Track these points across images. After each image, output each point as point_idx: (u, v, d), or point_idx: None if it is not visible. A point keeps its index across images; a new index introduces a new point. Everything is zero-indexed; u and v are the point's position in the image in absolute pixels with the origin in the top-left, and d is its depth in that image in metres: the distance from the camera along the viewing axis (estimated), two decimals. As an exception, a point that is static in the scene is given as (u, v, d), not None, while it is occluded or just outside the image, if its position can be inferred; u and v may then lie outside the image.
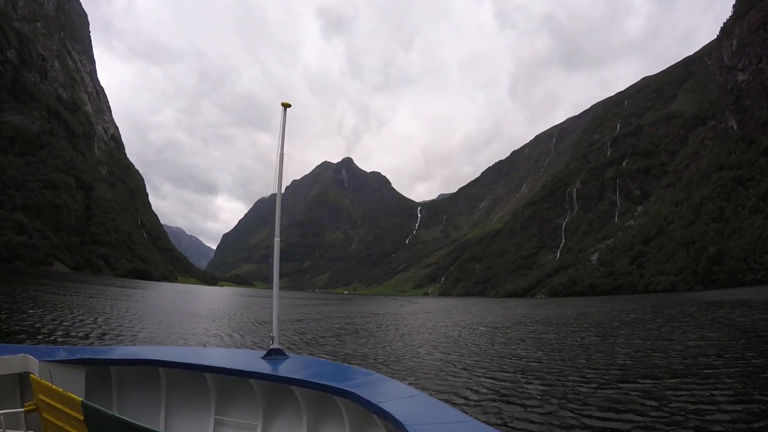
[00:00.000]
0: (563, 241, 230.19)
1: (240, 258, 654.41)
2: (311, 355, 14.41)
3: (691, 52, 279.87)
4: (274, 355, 5.01)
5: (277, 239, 6.30)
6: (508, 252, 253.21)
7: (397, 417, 2.84)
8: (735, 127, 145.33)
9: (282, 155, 5.89)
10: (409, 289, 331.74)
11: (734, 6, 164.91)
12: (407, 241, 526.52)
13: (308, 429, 4.22)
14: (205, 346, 15.55)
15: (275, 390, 4.49)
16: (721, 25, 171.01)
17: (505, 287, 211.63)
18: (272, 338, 5.31)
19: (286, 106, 5.90)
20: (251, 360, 4.95)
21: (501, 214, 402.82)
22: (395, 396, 3.45)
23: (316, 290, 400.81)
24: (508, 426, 7.30)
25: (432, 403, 3.42)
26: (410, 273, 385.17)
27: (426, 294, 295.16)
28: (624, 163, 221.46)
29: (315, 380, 3.92)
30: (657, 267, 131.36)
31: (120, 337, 15.66)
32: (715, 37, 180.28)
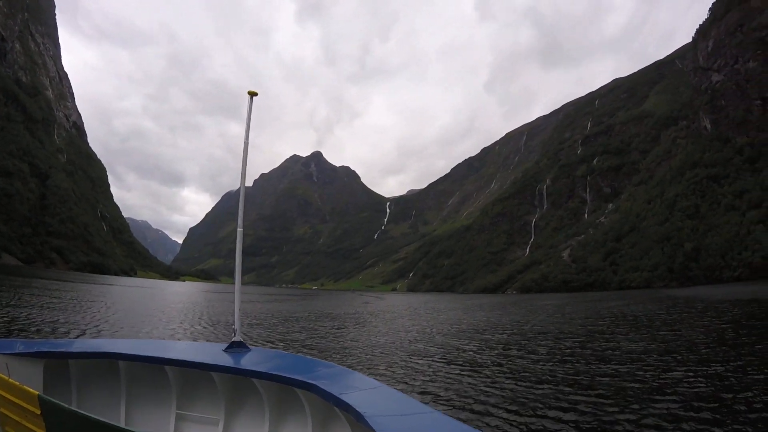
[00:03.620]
0: (533, 237, 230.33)
1: (206, 252, 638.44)
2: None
3: (669, 53, 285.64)
4: (236, 347, 4.92)
5: (240, 229, 5.80)
6: (478, 248, 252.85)
7: (357, 409, 2.84)
8: (708, 126, 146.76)
9: (247, 144, 5.71)
10: (378, 285, 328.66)
11: (711, 8, 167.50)
12: (376, 236, 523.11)
13: (271, 422, 4.21)
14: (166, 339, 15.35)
15: (237, 383, 4.45)
16: (697, 27, 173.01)
17: (475, 283, 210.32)
18: (234, 331, 5.19)
19: (252, 94, 5.73)
20: (213, 353, 4.85)
21: (470, 210, 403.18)
22: (357, 388, 3.49)
23: (284, 285, 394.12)
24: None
25: (394, 395, 3.45)
26: (379, 268, 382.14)
27: (394, 289, 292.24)
28: (595, 161, 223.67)
29: (277, 373, 3.91)
30: (631, 263, 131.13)
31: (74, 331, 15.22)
32: (690, 39, 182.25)
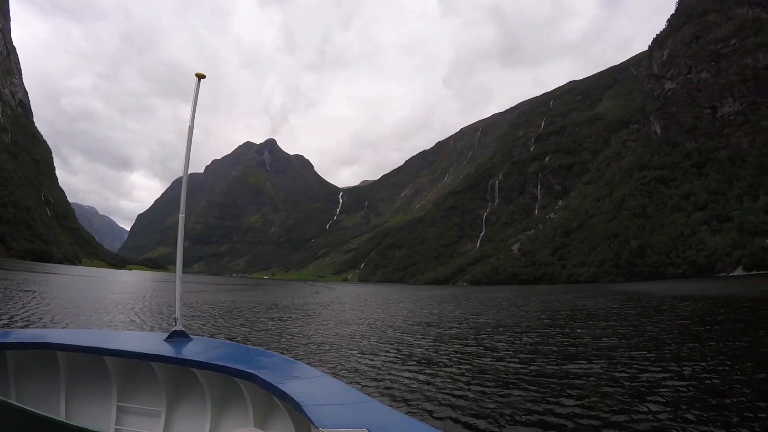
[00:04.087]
0: (484, 231, 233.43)
1: (155, 240, 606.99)
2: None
3: (625, 59, 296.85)
4: (176, 337, 4.80)
5: (182, 215, 5.62)
6: (429, 240, 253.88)
7: (295, 398, 2.85)
8: (658, 131, 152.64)
9: (192, 128, 5.51)
10: (329, 275, 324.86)
11: (669, 19, 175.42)
12: (328, 227, 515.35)
13: (213, 413, 4.15)
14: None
15: (178, 374, 4.36)
16: (654, 36, 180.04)
17: (426, 275, 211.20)
18: (175, 320, 5.01)
19: (200, 76, 5.57)
20: (153, 342, 4.77)
21: (423, 203, 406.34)
22: (297, 377, 3.51)
23: (234, 275, 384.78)
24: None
25: (333, 385, 3.46)
26: (330, 258, 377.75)
27: (345, 280, 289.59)
28: (547, 159, 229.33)
29: (218, 363, 3.90)
30: (579, 258, 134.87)
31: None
32: (647, 48, 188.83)
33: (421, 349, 13.58)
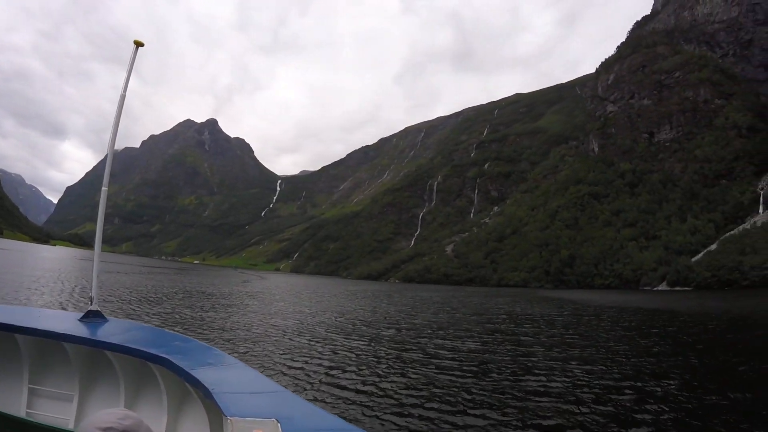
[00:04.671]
0: (419, 230, 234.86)
1: (83, 215, 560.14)
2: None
3: (572, 78, 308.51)
4: (92, 317, 4.65)
5: (104, 188, 5.57)
6: (364, 235, 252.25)
7: (206, 385, 2.82)
8: (596, 149, 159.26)
9: (123, 97, 5.41)
10: (261, 263, 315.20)
11: (619, 46, 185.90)
12: (263, 214, 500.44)
13: (126, 398, 4.04)
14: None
15: (92, 356, 4.21)
16: (602, 60, 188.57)
17: (359, 269, 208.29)
18: (91, 299, 4.92)
19: (138, 44, 5.43)
20: (67, 322, 4.62)
21: (361, 198, 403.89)
22: (211, 364, 3.46)
23: (163, 257, 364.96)
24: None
25: (247, 373, 3.42)
26: (263, 247, 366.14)
27: (277, 269, 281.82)
28: (486, 165, 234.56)
29: (131, 346, 3.79)
30: (510, 264, 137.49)
31: None
32: (594, 70, 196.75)
33: (354, 355, 12.39)
